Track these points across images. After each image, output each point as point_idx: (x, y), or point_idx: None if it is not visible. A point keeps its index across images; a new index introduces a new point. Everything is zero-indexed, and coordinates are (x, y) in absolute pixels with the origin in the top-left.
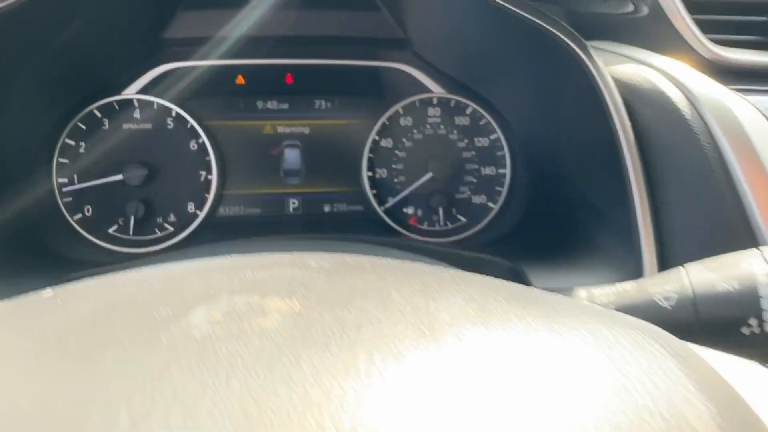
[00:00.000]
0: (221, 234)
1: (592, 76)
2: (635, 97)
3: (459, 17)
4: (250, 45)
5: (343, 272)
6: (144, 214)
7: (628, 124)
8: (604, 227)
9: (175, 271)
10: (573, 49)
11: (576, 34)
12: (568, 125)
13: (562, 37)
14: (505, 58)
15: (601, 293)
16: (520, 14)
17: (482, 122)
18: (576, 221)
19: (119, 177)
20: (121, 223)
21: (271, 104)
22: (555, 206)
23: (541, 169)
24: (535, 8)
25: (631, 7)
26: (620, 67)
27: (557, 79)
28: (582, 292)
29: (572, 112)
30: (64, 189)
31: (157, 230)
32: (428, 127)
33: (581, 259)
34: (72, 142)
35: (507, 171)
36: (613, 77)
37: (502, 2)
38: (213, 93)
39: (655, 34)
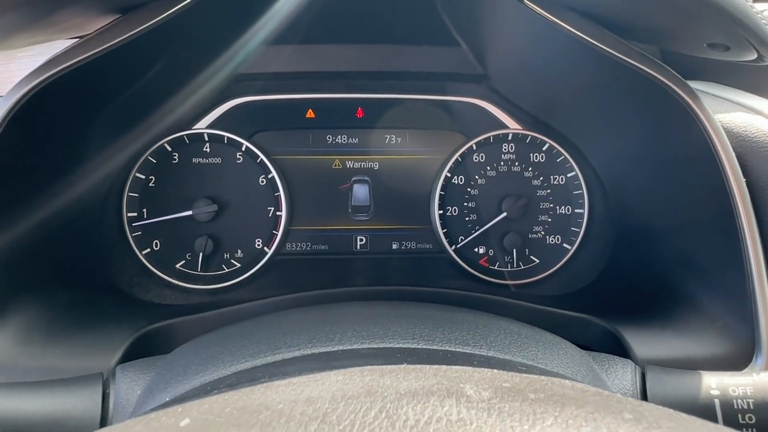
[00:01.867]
0: (288, 271)
1: (702, 125)
2: (748, 150)
3: (546, 55)
4: (323, 79)
5: (508, 406)
6: (212, 250)
7: (742, 179)
8: (710, 289)
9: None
10: (679, 94)
11: (681, 78)
12: (668, 174)
13: (666, 81)
14: (595, 98)
15: (735, 383)
16: (617, 56)
17: (559, 159)
18: (673, 279)
19: (189, 213)
20: (188, 258)
21: (341, 138)
22: (645, 259)
23: (628, 216)
24: (632, 48)
25: (754, 56)
26: (731, 116)
27: (656, 123)
28: (711, 379)
29: (674, 161)
30: (134, 223)
31: (224, 266)
32: (502, 163)
33: (682, 324)
34: (142, 176)
35: (585, 211)
36: (723, 126)
37: (597, 43)
38: (283, 127)
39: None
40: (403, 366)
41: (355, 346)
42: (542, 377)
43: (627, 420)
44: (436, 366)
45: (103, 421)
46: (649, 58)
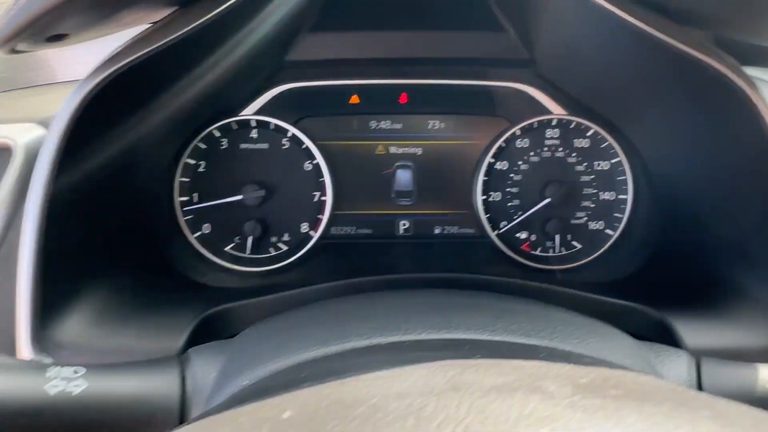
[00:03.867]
0: (334, 254)
1: (758, 113)
2: None
3: (596, 40)
4: (367, 65)
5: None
6: (261, 234)
7: None
8: (763, 279)
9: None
10: (735, 83)
11: (738, 66)
12: (720, 161)
13: (722, 70)
14: (645, 84)
15: None
16: (671, 43)
17: (603, 145)
18: (724, 268)
19: (239, 197)
20: (237, 241)
21: (385, 124)
22: (694, 247)
23: (676, 203)
24: (688, 35)
25: None
26: None
27: (708, 110)
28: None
29: (726, 148)
30: (185, 208)
31: (271, 249)
32: (545, 149)
33: (734, 313)
34: (192, 162)
35: (629, 197)
36: None
37: (650, 29)
38: (327, 113)
39: None
40: (481, 361)
41: (422, 337)
42: (615, 371)
43: (706, 418)
44: (513, 361)
45: (183, 403)
46: (705, 45)
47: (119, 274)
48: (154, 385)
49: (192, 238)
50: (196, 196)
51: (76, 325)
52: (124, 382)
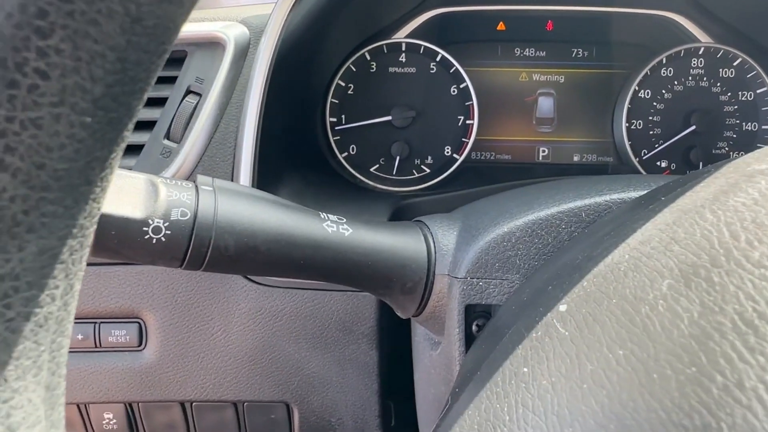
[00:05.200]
0: (474, 178)
1: None
2: None
3: None
4: None
5: None
6: (407, 155)
7: None
8: None
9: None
10: None
11: None
12: None
13: None
14: None
15: None
16: None
17: (750, 75)
18: None
19: (388, 118)
20: (382, 162)
21: (528, 51)
22: None
23: None
24: None
25: None
26: None
27: None
28: None
29: None
30: (336, 128)
31: (414, 171)
32: (690, 78)
33: None
34: (343, 84)
35: None
36: None
37: None
38: (474, 39)
39: None
40: (703, 180)
41: (625, 195)
42: None
43: None
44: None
45: (429, 255)
46: None
47: (307, 170)
48: (403, 239)
49: (341, 157)
50: (344, 117)
51: None
52: (379, 234)
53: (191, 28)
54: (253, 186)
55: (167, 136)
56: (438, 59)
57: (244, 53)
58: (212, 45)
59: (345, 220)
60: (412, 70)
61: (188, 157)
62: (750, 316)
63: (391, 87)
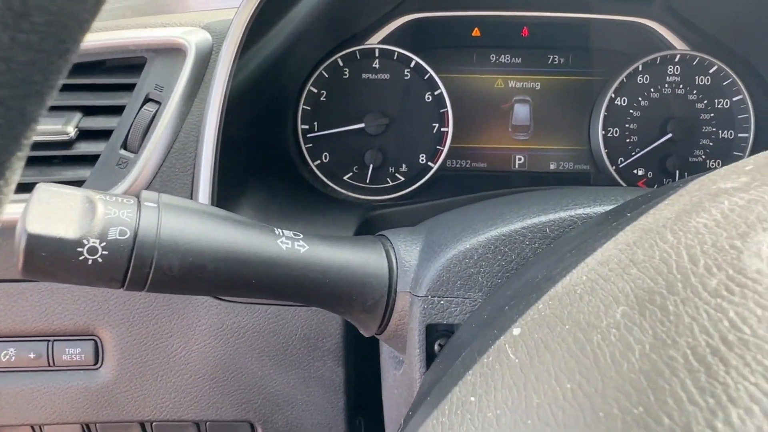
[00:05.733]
0: (448, 187)
1: None
2: None
3: None
4: None
5: None
6: (380, 163)
7: None
8: None
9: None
10: None
11: None
12: None
13: None
14: None
15: None
16: None
17: (726, 82)
18: None
19: (361, 125)
20: (355, 170)
21: (504, 58)
22: None
23: None
24: None
25: None
26: None
27: None
28: None
29: None
30: (308, 135)
31: (389, 179)
32: (666, 86)
33: None
34: (315, 90)
35: (750, 135)
36: None
37: None
38: (449, 45)
39: None
40: (668, 197)
41: (590, 210)
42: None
43: None
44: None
45: (391, 271)
46: None
47: (273, 179)
48: (364, 255)
49: (313, 165)
50: (316, 124)
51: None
52: (338, 250)
53: (150, 34)
54: (213, 198)
55: (124, 146)
56: (412, 65)
57: (206, 60)
58: (173, 51)
59: (302, 235)
60: (386, 76)
61: (146, 167)
62: (703, 351)
63: (364, 93)
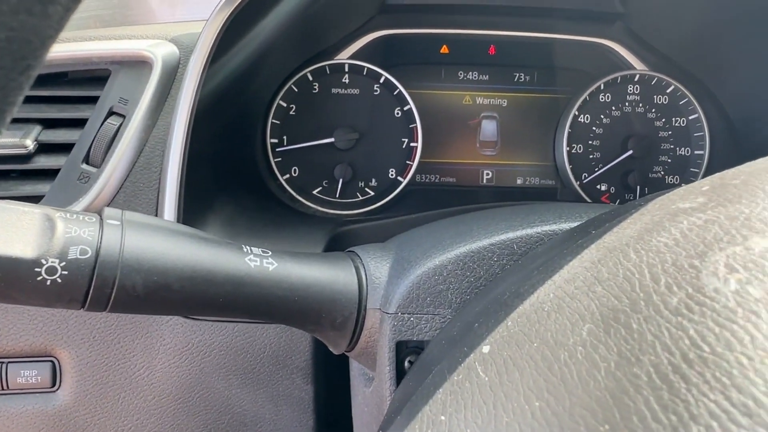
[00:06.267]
0: (418, 201)
1: None
2: None
3: None
4: (458, 14)
5: None
6: (350, 177)
7: None
8: None
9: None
10: None
11: None
12: None
13: None
14: (739, 31)
15: None
16: None
17: (682, 102)
18: None
19: (331, 140)
20: (325, 185)
21: (472, 75)
22: None
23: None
24: None
25: None
26: None
27: None
28: None
29: None
30: (276, 149)
31: (358, 194)
32: (627, 104)
33: None
34: (284, 104)
35: (705, 152)
36: None
37: None
38: (417, 61)
39: None
40: (630, 215)
41: (556, 227)
42: (725, 173)
43: None
44: (639, 209)
45: (360, 288)
46: None
47: (242, 195)
48: (333, 272)
49: (282, 179)
50: (285, 138)
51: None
52: (307, 267)
53: (115, 46)
54: (179, 213)
55: (86, 160)
56: (382, 81)
57: (172, 73)
58: (138, 64)
59: (270, 253)
60: (356, 91)
61: (109, 182)
62: (665, 369)
63: (334, 108)
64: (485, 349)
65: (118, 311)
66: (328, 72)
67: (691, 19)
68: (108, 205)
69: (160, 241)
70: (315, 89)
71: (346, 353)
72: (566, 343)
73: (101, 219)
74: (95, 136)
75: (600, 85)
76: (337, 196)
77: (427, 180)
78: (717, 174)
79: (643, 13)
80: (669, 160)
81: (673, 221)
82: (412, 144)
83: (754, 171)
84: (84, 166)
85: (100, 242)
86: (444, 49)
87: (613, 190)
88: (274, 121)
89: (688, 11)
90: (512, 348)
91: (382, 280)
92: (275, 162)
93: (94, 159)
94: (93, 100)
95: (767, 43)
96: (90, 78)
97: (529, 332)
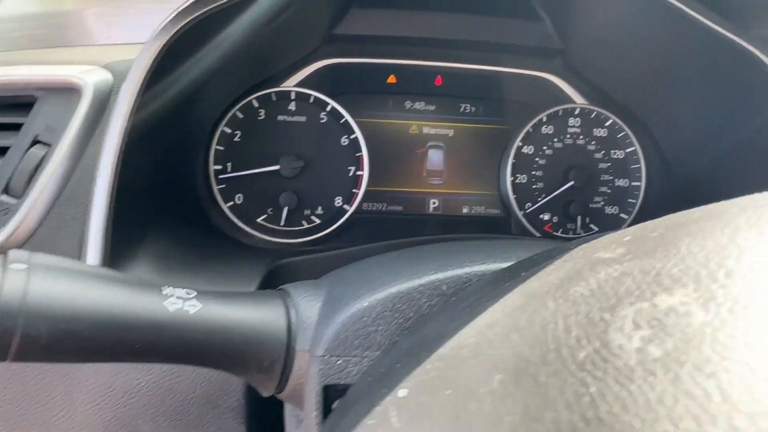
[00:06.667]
0: (365, 230)
1: None
2: None
3: (633, 28)
4: (406, 45)
5: None
6: (295, 205)
7: None
8: None
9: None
10: None
11: None
12: (744, 148)
13: (759, 54)
14: (672, 71)
15: None
16: (712, 27)
17: (620, 135)
18: None
19: (276, 167)
20: (270, 213)
21: (419, 105)
22: None
23: (690, 190)
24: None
25: None
26: None
27: (738, 100)
28: None
29: (752, 134)
30: (220, 176)
31: (304, 222)
32: (568, 136)
33: None
34: (229, 131)
35: (642, 184)
36: None
37: (691, 12)
38: (365, 90)
39: None
40: (555, 260)
41: (485, 267)
42: (647, 224)
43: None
44: (565, 255)
45: (290, 329)
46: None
47: (176, 226)
48: (262, 313)
49: (225, 207)
50: (229, 165)
51: (141, 272)
52: (234, 308)
53: (43, 72)
54: (106, 247)
55: (6, 191)
56: (328, 109)
57: (104, 101)
58: (67, 91)
59: (195, 293)
60: (302, 119)
61: (30, 214)
62: (565, 427)
63: (279, 135)
64: (401, 393)
65: (23, 360)
66: (274, 99)
67: (627, 58)
68: (29, 239)
69: (70, 285)
70: (260, 116)
71: (275, 395)
72: (477, 392)
73: (5, 263)
74: (17, 166)
75: (543, 118)
76: (282, 224)
77: (374, 208)
78: (640, 224)
79: (581, 49)
80: (608, 191)
81: (592, 271)
82: (358, 173)
83: (671, 224)
84: (3, 197)
85: (0, 290)
86: (391, 79)
87: (555, 219)
88: (218, 147)
89: (624, 51)
90: (427, 394)
91: (311, 320)
92: (219, 189)
93: (15, 189)
94: (17, 127)
95: (697, 82)
96: (13, 104)
97: (445, 378)
